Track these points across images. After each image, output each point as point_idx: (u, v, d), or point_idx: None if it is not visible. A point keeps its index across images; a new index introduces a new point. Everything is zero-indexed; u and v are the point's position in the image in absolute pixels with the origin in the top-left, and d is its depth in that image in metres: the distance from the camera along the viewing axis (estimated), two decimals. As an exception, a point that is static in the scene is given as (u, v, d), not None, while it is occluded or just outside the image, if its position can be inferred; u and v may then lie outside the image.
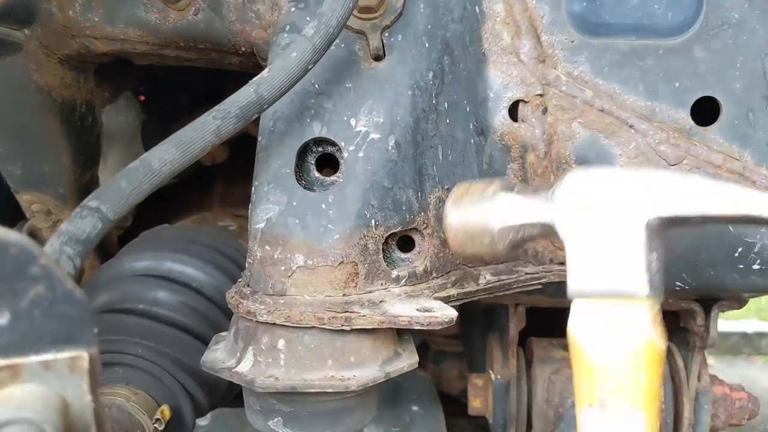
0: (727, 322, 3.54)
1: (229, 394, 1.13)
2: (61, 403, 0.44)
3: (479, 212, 0.74)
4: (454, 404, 1.66)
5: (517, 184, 0.76)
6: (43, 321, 0.42)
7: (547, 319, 1.37)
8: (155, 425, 0.92)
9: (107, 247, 1.39)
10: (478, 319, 1.53)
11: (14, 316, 0.41)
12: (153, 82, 1.51)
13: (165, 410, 0.95)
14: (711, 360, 1.36)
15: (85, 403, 0.45)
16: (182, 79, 1.55)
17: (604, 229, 0.68)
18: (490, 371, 1.31)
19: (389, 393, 1.43)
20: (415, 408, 1.43)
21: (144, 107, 1.49)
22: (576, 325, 0.69)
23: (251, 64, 1.07)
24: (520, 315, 1.24)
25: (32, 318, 0.42)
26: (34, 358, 0.43)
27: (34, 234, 1.24)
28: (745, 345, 3.63)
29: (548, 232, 0.71)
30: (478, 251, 0.76)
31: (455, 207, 0.76)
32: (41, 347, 0.43)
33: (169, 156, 0.67)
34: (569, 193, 0.69)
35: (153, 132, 1.49)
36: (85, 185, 1.23)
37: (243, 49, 1.02)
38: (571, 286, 0.70)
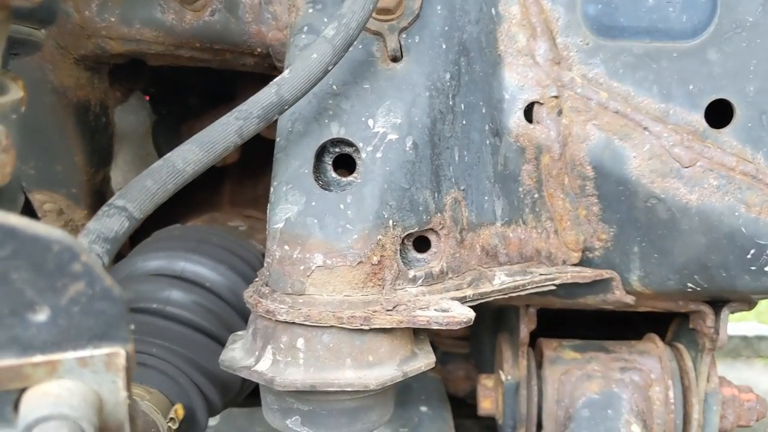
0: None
1: (241, 394, 1.14)
2: (97, 400, 0.44)
3: None
4: (460, 405, 1.66)
5: None
6: (82, 318, 0.42)
7: (558, 320, 1.37)
8: (169, 424, 0.92)
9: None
10: (488, 320, 1.54)
11: (54, 313, 0.42)
12: (163, 83, 1.52)
13: (179, 409, 0.95)
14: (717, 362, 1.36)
15: (120, 400, 0.46)
16: (192, 80, 1.56)
17: None
18: (500, 372, 1.31)
19: (398, 393, 1.44)
20: (423, 408, 1.43)
21: (154, 108, 1.50)
22: None
23: (266, 66, 1.08)
24: (531, 316, 1.25)
25: (71, 314, 0.42)
26: (71, 355, 0.43)
27: (45, 233, 1.24)
28: (745, 348, 3.63)
29: None
30: None
31: None
32: (79, 344, 0.43)
33: (192, 156, 0.68)
34: None
35: (163, 132, 1.49)
36: (98, 185, 1.24)
37: (258, 50, 1.03)
38: None
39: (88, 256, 0.40)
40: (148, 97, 1.56)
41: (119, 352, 0.44)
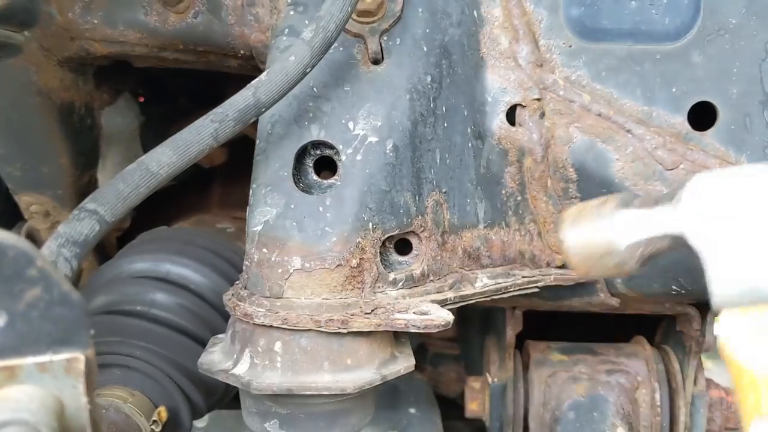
0: (725, 326, 3.54)
1: (226, 396, 1.13)
2: (57, 405, 0.44)
3: (600, 232, 0.70)
4: (451, 407, 1.66)
5: (635, 197, 0.72)
6: (40, 323, 0.42)
7: (544, 322, 1.37)
8: (152, 427, 0.92)
9: (106, 248, 1.39)
10: (476, 322, 1.54)
11: (11, 318, 0.41)
12: (152, 84, 1.51)
13: (162, 412, 0.95)
14: (709, 364, 1.37)
15: (81, 405, 0.46)
16: (181, 81, 1.56)
17: (746, 232, 0.62)
18: (487, 374, 1.31)
19: (386, 395, 1.44)
20: (412, 410, 1.43)
21: (143, 109, 1.50)
22: (729, 339, 0.65)
23: (250, 67, 1.07)
24: (517, 318, 1.24)
25: (29, 320, 0.42)
26: (30, 360, 0.43)
27: (32, 235, 1.24)
28: (744, 349, 3.62)
29: (679, 244, 0.67)
30: (605, 273, 0.73)
31: (573, 229, 0.73)
32: (37, 349, 0.43)
33: (166, 159, 0.68)
34: (698, 199, 0.65)
35: (152, 134, 1.49)
36: (84, 187, 1.24)
37: (242, 52, 1.03)
38: (717, 298, 0.65)
39: (44, 262, 0.40)
40: (142, 99, 1.56)
41: (79, 357, 0.44)
